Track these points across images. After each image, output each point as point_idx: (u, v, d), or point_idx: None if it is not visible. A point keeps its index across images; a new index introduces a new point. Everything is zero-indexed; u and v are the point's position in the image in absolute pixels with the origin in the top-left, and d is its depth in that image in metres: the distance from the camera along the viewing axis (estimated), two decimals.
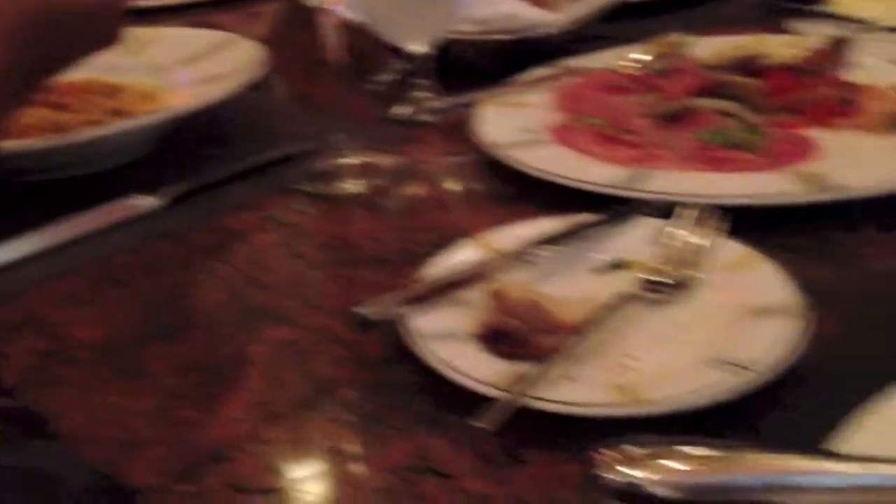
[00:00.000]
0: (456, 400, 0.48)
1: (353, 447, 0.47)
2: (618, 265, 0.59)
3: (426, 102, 0.88)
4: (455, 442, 0.47)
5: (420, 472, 0.45)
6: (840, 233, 0.61)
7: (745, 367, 0.46)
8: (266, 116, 0.93)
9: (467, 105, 0.85)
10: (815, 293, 0.54)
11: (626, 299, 0.53)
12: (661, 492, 0.36)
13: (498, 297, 0.52)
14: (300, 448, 0.47)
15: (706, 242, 0.57)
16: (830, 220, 0.62)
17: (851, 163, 0.67)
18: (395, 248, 0.68)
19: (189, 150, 0.84)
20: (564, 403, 0.46)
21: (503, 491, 0.43)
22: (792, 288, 0.51)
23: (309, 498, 0.44)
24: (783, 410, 0.46)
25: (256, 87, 0.89)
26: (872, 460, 0.36)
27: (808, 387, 0.47)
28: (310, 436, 0.48)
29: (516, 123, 0.79)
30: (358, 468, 0.46)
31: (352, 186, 0.76)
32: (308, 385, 0.52)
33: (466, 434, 0.47)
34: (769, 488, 0.36)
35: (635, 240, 0.60)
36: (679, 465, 0.37)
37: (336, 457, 0.47)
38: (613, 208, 0.63)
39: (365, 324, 0.53)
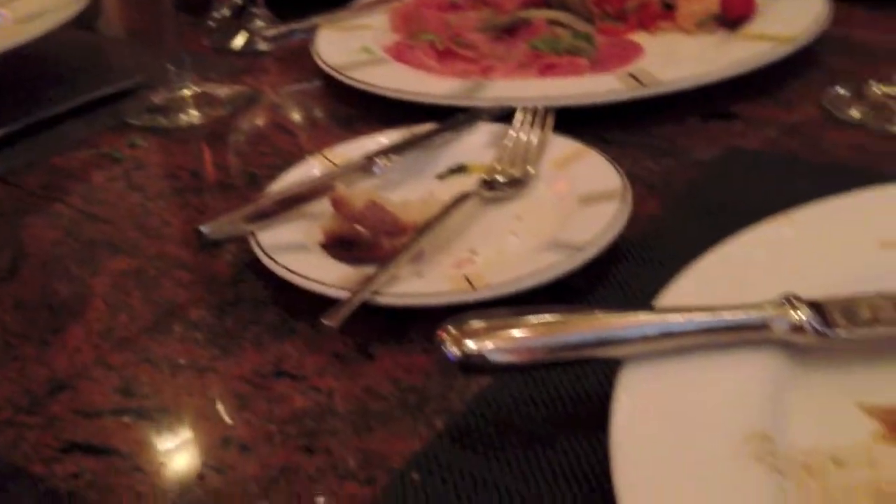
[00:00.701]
0: (307, 308, 0.48)
1: (205, 362, 0.47)
2: (459, 169, 0.60)
3: (263, 31, 0.86)
4: (307, 346, 0.47)
5: (273, 376, 0.46)
6: (663, 126, 0.65)
7: (576, 248, 0.48)
8: (97, 53, 0.89)
9: (304, 31, 0.84)
10: (640, 180, 0.58)
11: (467, 199, 0.55)
12: (499, 358, 0.38)
13: (340, 204, 0.52)
14: (150, 368, 0.47)
15: (540, 141, 0.60)
16: (655, 115, 0.66)
17: (672, 61, 0.71)
18: (240, 174, 0.67)
19: (16, 91, 0.79)
20: (410, 296, 0.47)
21: (355, 385, 0.44)
22: (617, 176, 0.54)
23: (161, 413, 0.44)
24: (611, 284, 0.49)
25: (86, 26, 0.85)
26: (688, 310, 0.39)
27: (633, 262, 0.50)
28: (159, 356, 0.48)
29: (354, 45, 0.78)
30: (210, 380, 0.46)
31: (190, 118, 0.74)
32: (155, 310, 0.52)
33: (318, 337, 0.48)
34: (599, 343, 0.38)
35: (475, 145, 0.62)
36: (517, 332, 0.39)
37: (187, 372, 0.47)
38: (453, 117, 0.64)
39: (210, 243, 0.53)
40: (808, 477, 0.34)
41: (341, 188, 0.53)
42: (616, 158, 0.57)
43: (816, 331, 0.39)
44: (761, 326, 0.39)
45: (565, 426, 0.40)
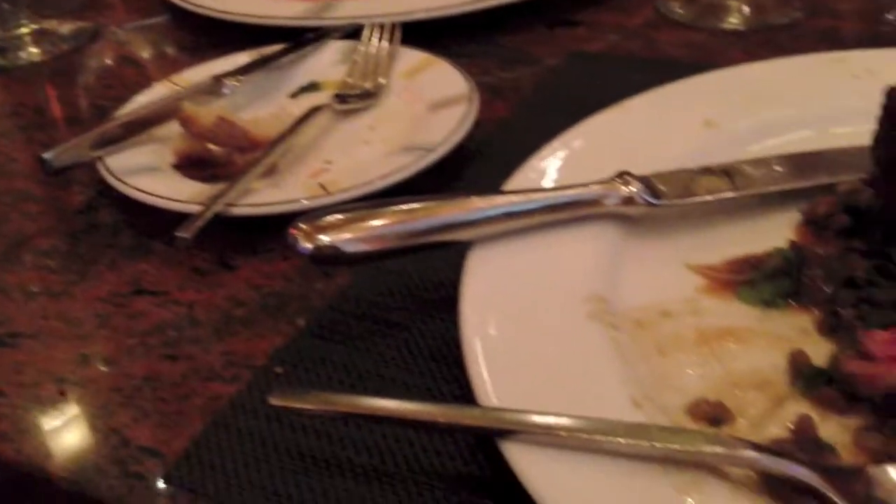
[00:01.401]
0: (163, 228, 0.48)
1: (59, 287, 0.46)
2: (311, 87, 0.60)
3: None
4: (165, 264, 0.47)
5: (132, 294, 0.45)
6: (511, 36, 0.67)
7: (426, 150, 0.50)
8: None
9: None
10: (490, 87, 0.59)
11: (319, 112, 0.55)
12: (351, 248, 0.39)
13: (188, 122, 0.52)
14: (1, 297, 0.46)
15: (389, 54, 0.60)
16: (503, 26, 0.67)
17: None
18: (87, 107, 0.66)
19: None
20: (264, 205, 0.47)
21: (216, 295, 0.45)
22: (464, 81, 0.56)
23: (15, 338, 0.43)
24: (462, 183, 0.50)
25: None
26: (529, 191, 0.42)
27: (482, 161, 0.52)
28: (11, 285, 0.47)
29: None
30: (66, 304, 0.45)
31: (30, 55, 0.71)
32: (3, 242, 0.50)
33: (176, 254, 0.48)
34: (447, 227, 0.40)
35: (325, 63, 0.62)
36: (368, 223, 0.40)
37: (41, 298, 0.46)
38: (301, 37, 0.64)
39: (55, 170, 0.52)
40: (640, 329, 0.37)
41: (188, 106, 0.52)
42: (466, 68, 0.58)
43: (646, 201, 0.42)
44: (595, 202, 0.41)
45: (420, 312, 0.42)
